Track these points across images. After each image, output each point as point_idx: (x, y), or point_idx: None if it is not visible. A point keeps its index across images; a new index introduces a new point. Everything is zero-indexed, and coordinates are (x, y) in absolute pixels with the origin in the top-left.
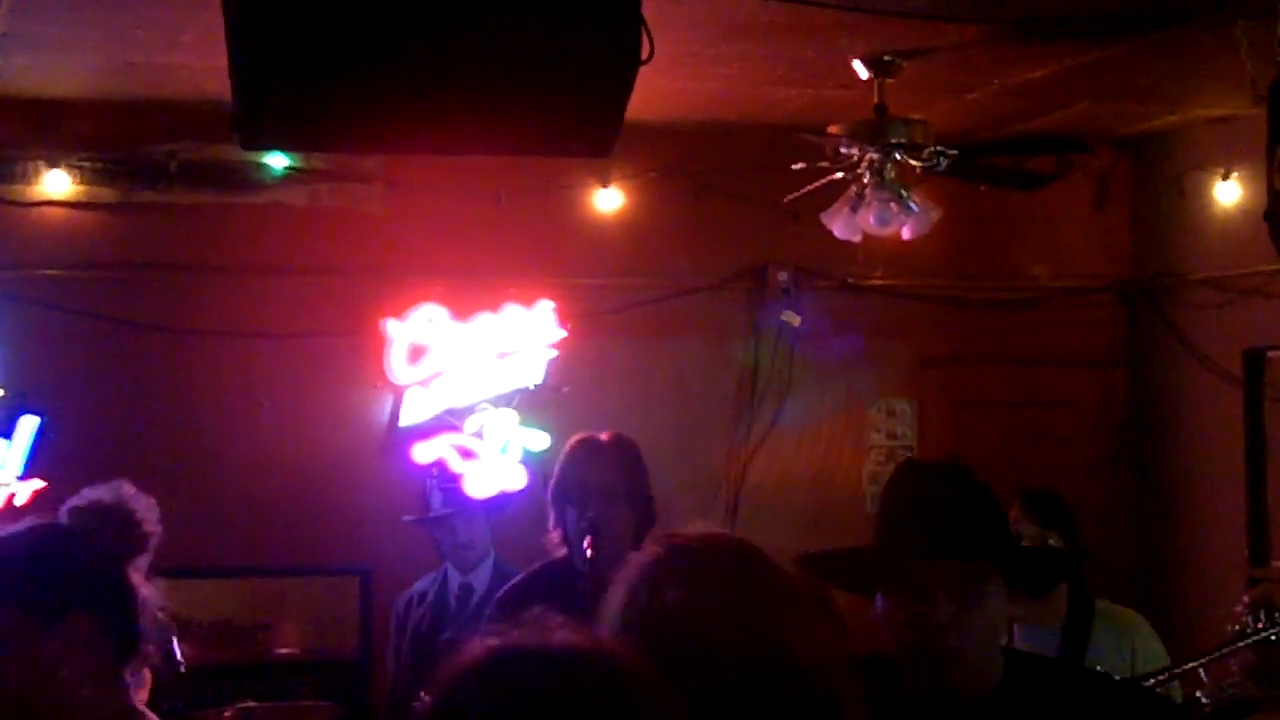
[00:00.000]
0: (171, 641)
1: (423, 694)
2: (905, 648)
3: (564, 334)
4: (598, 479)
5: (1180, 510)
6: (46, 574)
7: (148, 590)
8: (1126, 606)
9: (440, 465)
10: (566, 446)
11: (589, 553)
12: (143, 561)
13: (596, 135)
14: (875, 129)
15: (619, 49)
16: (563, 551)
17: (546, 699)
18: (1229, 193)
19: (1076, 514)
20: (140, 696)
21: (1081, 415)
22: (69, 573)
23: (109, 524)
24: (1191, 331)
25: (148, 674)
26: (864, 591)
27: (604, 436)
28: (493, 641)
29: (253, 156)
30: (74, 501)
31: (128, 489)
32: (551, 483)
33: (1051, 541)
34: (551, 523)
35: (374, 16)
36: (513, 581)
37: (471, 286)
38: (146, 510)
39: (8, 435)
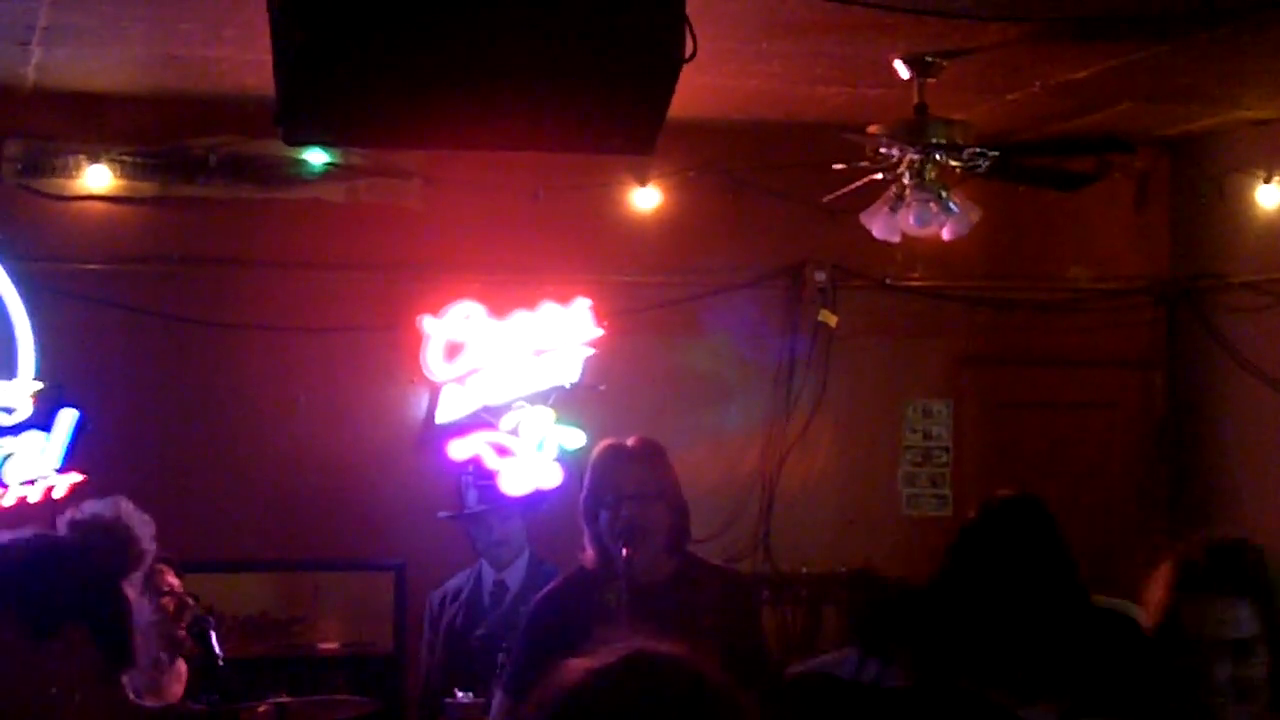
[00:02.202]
0: (210, 634)
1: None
2: None
3: (601, 332)
4: (630, 482)
5: (1219, 513)
6: (43, 587)
7: (142, 603)
8: None
9: (476, 462)
10: (594, 453)
11: (625, 553)
12: (137, 577)
13: (639, 132)
14: (915, 129)
15: (663, 46)
16: (595, 565)
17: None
18: (1270, 196)
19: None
20: (175, 690)
21: (1119, 417)
22: (65, 586)
23: (106, 539)
24: (1231, 334)
25: (183, 666)
26: None
27: (631, 441)
28: (621, 649)
29: (292, 152)
30: (73, 515)
31: (126, 506)
32: (583, 494)
33: None
34: (586, 538)
35: (417, 12)
36: (546, 589)
37: (509, 283)
38: (143, 528)
39: (46, 428)
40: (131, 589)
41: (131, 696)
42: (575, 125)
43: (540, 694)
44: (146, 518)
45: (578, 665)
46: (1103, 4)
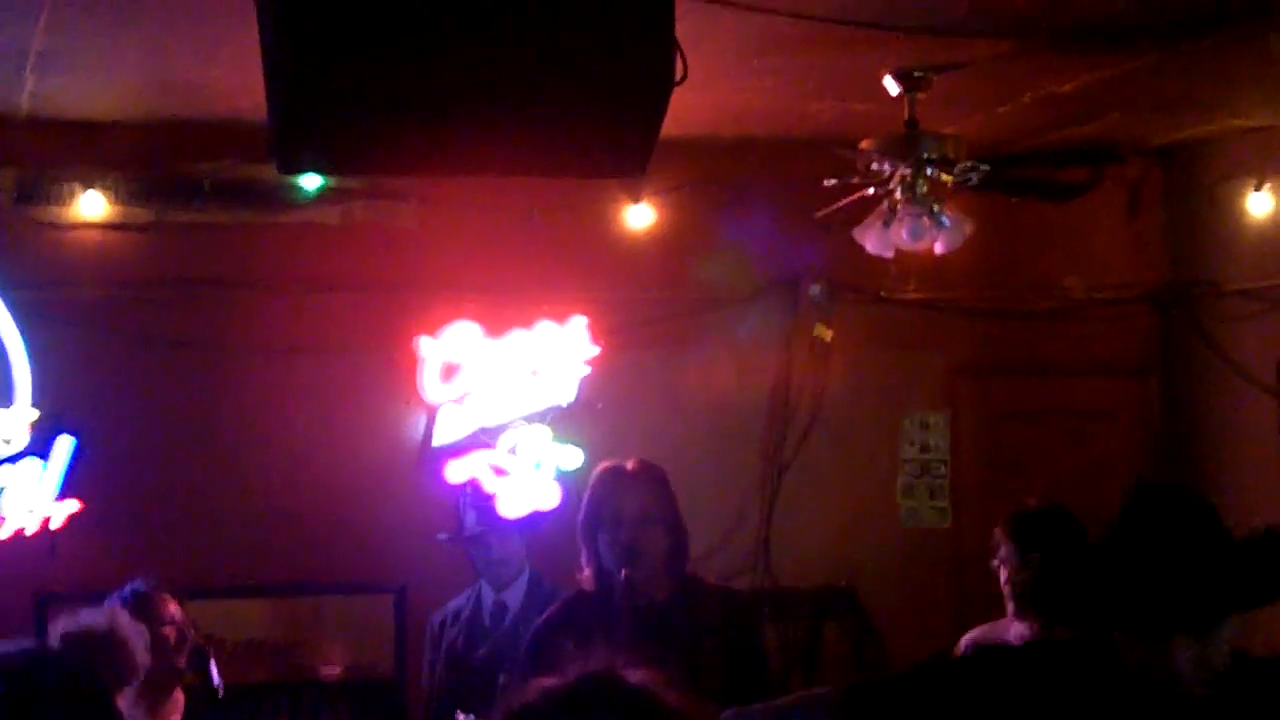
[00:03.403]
0: (209, 664)
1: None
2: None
3: (597, 350)
4: (629, 505)
5: None
6: (29, 700)
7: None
8: None
9: (474, 483)
10: (594, 475)
11: (625, 575)
12: (130, 691)
13: (630, 157)
14: (907, 144)
15: (653, 71)
16: (594, 587)
17: None
18: (1262, 203)
19: (1084, 532)
20: None
21: (1116, 425)
22: (53, 700)
23: (100, 651)
24: (1225, 341)
25: (180, 696)
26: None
27: (631, 464)
28: (575, 672)
29: (287, 176)
30: (67, 626)
31: (122, 617)
32: (581, 515)
33: None
34: (584, 558)
35: (408, 40)
36: (547, 613)
37: (505, 303)
38: (138, 639)
39: (44, 456)
40: (124, 703)
41: None
42: (567, 151)
43: (498, 709)
44: (141, 628)
45: (536, 684)
46: (1089, 17)
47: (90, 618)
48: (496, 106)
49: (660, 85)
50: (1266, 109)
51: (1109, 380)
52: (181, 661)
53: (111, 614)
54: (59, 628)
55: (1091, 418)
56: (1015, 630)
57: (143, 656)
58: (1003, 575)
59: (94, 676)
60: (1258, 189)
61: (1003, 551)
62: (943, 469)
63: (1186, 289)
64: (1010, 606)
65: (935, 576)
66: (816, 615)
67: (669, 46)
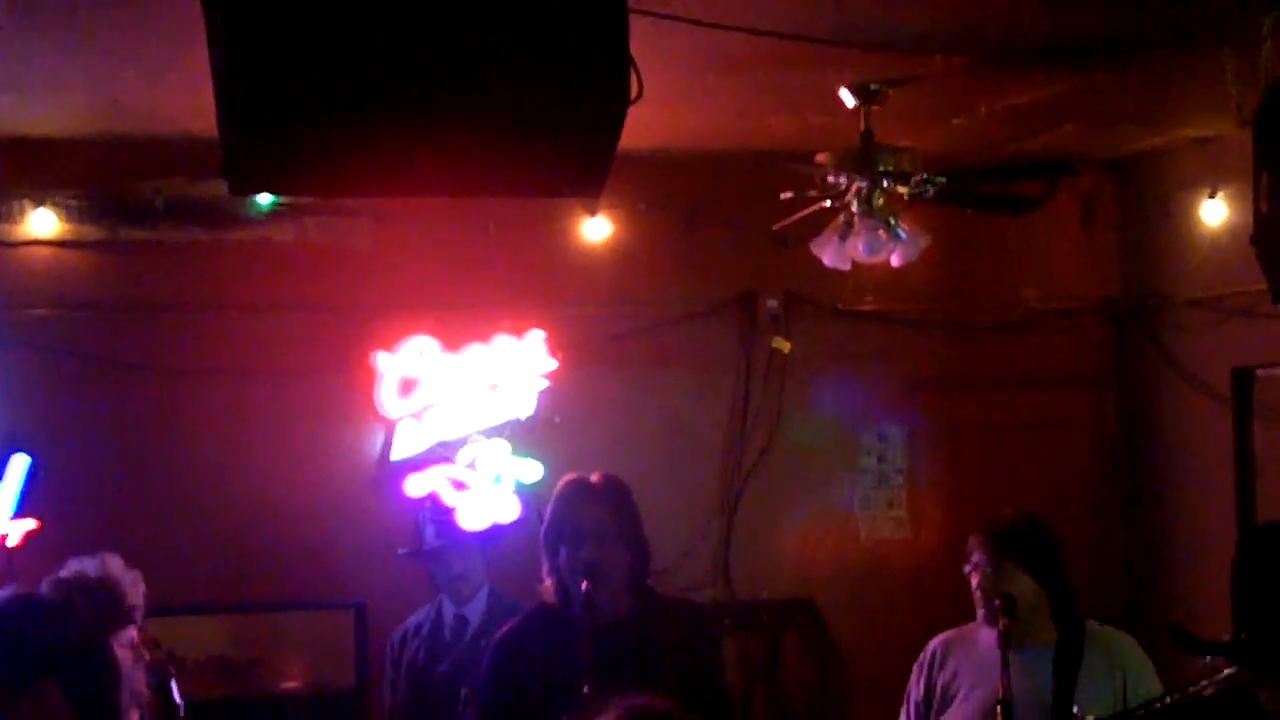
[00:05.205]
0: (170, 682)
1: None
2: None
3: (555, 364)
4: (590, 520)
5: (1171, 528)
6: (16, 644)
7: (130, 662)
8: (1118, 624)
9: (433, 498)
10: (557, 488)
11: (585, 590)
12: (126, 635)
13: (586, 176)
14: (862, 157)
15: (608, 90)
16: (555, 599)
17: None
18: (1215, 212)
19: (1057, 541)
20: None
21: (1071, 435)
22: (40, 643)
23: (91, 596)
24: (1180, 351)
25: (136, 716)
26: None
27: (594, 477)
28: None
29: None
30: (58, 573)
31: (114, 562)
32: (544, 526)
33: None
34: (545, 569)
35: (361, 61)
36: (507, 626)
37: (462, 318)
38: (131, 584)
39: None
40: (121, 648)
41: None
42: (522, 170)
43: None
44: (136, 574)
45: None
46: (1043, 32)
47: (80, 564)
48: (450, 126)
49: (615, 102)
50: (1218, 120)
51: (1065, 391)
52: (140, 682)
53: (103, 559)
54: (50, 576)
55: (1047, 428)
56: (984, 635)
57: (136, 600)
58: (974, 581)
59: (82, 620)
60: (1211, 197)
61: (975, 558)
62: (900, 480)
63: (1141, 299)
64: (980, 613)
65: (894, 587)
66: (776, 627)
67: (623, 63)
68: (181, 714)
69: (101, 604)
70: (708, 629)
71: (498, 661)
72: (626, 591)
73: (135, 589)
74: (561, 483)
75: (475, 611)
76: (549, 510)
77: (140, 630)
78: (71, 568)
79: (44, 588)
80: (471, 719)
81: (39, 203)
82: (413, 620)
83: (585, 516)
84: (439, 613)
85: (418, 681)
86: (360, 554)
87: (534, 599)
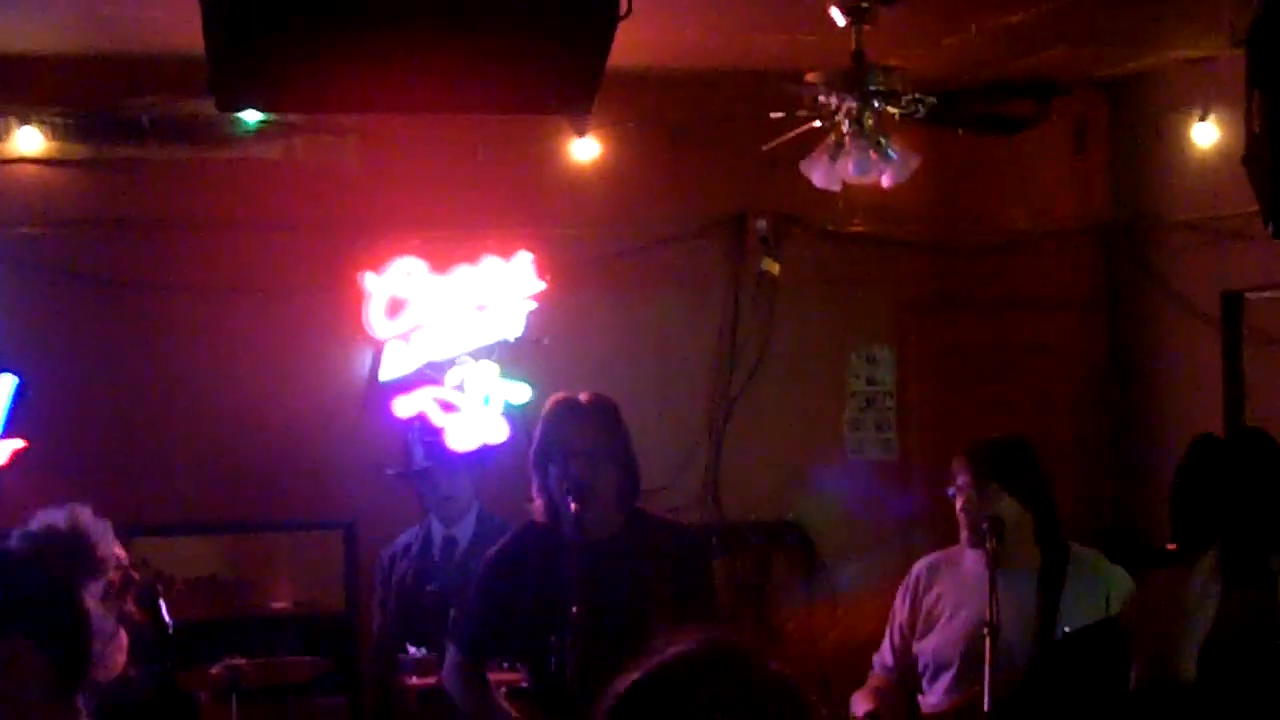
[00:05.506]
0: (158, 602)
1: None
2: (1241, 633)
3: (543, 285)
4: (579, 439)
5: (1159, 452)
6: None
7: (103, 613)
8: (1105, 547)
9: (421, 419)
10: (546, 407)
11: (574, 510)
12: (97, 587)
13: (575, 93)
14: (853, 77)
15: (597, 6)
16: (544, 517)
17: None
18: (1206, 134)
19: (1040, 463)
20: (119, 660)
21: (1061, 359)
22: (8, 595)
23: (60, 548)
24: (1170, 274)
25: (124, 637)
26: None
27: (584, 397)
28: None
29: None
30: (28, 525)
31: (83, 513)
32: (533, 446)
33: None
34: (534, 489)
35: None
36: (498, 544)
37: (449, 239)
38: (101, 534)
39: None
40: (93, 600)
41: (85, 717)
42: (512, 87)
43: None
44: (106, 524)
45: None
46: None
47: (49, 516)
48: (438, 41)
49: (605, 20)
50: (1210, 40)
51: (1054, 314)
52: (127, 602)
53: (72, 510)
54: (17, 530)
55: (1037, 351)
56: (969, 558)
57: (106, 551)
58: (958, 503)
59: (52, 572)
60: (1202, 119)
61: (960, 480)
62: (889, 402)
63: (1131, 222)
64: (964, 534)
65: (882, 508)
66: (764, 548)
67: None
68: (170, 632)
69: (71, 555)
70: (698, 549)
71: (488, 575)
72: (616, 512)
73: (105, 540)
74: (550, 402)
75: (464, 532)
76: (538, 429)
77: (122, 548)
78: (40, 520)
79: (12, 540)
80: (461, 635)
81: (25, 120)
82: (401, 540)
83: (574, 436)
84: (428, 533)
85: (407, 602)
86: (349, 474)
87: (523, 520)
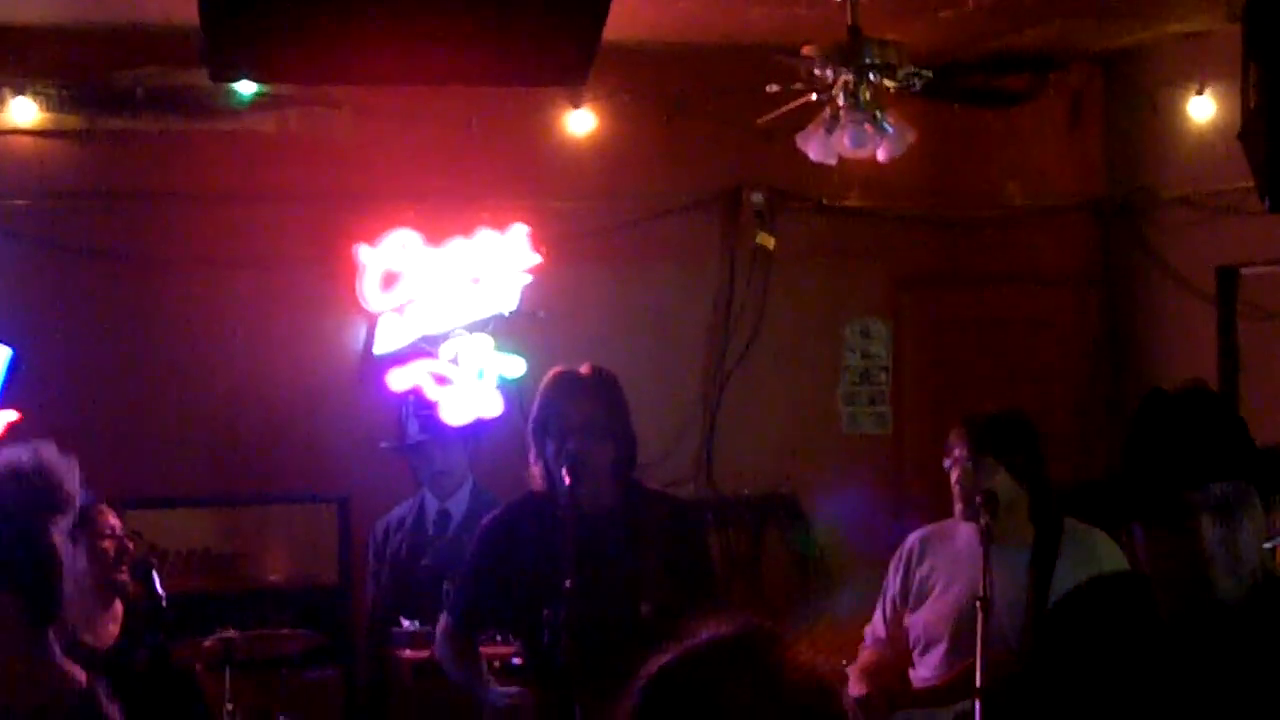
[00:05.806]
0: (153, 575)
1: (403, 621)
2: (1169, 577)
3: (538, 259)
4: (577, 412)
5: None
6: None
7: (74, 550)
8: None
9: (416, 392)
10: (545, 379)
11: (568, 481)
12: (65, 523)
13: (570, 65)
14: (849, 51)
15: None
16: (542, 485)
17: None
18: (1203, 108)
19: (1038, 438)
20: (111, 630)
21: (1056, 333)
22: None
23: (24, 485)
24: (1165, 249)
25: (119, 607)
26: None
27: (583, 369)
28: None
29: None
30: None
31: (47, 450)
32: (531, 417)
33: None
34: (532, 456)
35: None
36: (494, 514)
37: (444, 211)
38: (68, 472)
39: None
40: (60, 536)
41: (59, 654)
42: (508, 59)
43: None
44: (72, 460)
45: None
46: None
47: (13, 453)
48: (435, 13)
49: None
50: (1206, 14)
51: (1049, 288)
52: (122, 573)
53: (36, 447)
54: None
55: (1032, 326)
56: (963, 531)
57: (73, 488)
58: (954, 476)
59: (16, 511)
60: (1198, 94)
61: (956, 453)
62: (884, 376)
63: (1127, 197)
64: (958, 508)
65: (876, 482)
66: (759, 522)
67: None
68: (164, 605)
69: (37, 492)
70: (695, 522)
71: (482, 546)
72: (611, 485)
73: (71, 476)
74: (551, 373)
75: (458, 506)
76: (537, 401)
77: (117, 519)
78: (3, 457)
79: None
80: (454, 602)
81: (19, 91)
82: (395, 514)
83: (572, 411)
84: (422, 507)
85: (400, 575)
86: (343, 447)
87: (517, 494)
